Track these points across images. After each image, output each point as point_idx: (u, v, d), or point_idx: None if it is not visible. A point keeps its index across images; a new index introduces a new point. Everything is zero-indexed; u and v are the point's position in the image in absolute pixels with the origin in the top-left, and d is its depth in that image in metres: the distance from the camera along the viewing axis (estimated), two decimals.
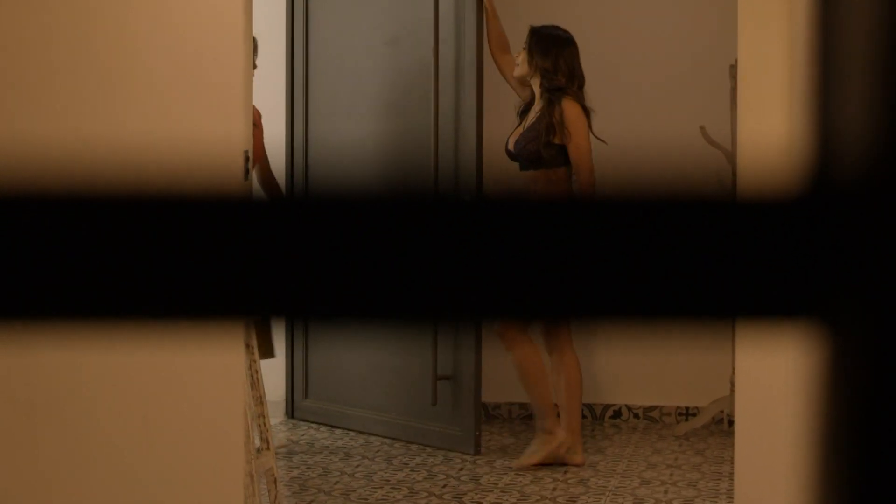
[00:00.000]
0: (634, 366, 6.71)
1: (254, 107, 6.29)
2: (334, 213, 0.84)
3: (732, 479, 5.15)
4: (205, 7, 3.45)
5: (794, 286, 0.76)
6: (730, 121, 6.86)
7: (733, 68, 6.71)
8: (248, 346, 4.83)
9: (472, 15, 6.49)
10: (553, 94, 6.16)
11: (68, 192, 0.90)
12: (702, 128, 7.03)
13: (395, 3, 6.72)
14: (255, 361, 5.13)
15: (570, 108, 6.13)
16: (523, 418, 7.42)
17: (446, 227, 0.83)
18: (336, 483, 5.99)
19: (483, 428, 6.80)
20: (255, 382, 5.15)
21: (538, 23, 6.47)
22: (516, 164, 6.35)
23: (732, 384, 6.81)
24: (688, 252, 0.78)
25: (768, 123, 4.62)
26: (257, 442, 5.21)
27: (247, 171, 4.23)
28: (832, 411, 0.86)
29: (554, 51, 6.21)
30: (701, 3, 7.31)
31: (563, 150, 6.13)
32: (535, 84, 6.27)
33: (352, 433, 6.93)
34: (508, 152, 6.34)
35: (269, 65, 7.09)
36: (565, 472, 6.15)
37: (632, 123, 6.46)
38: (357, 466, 6.27)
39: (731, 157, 6.79)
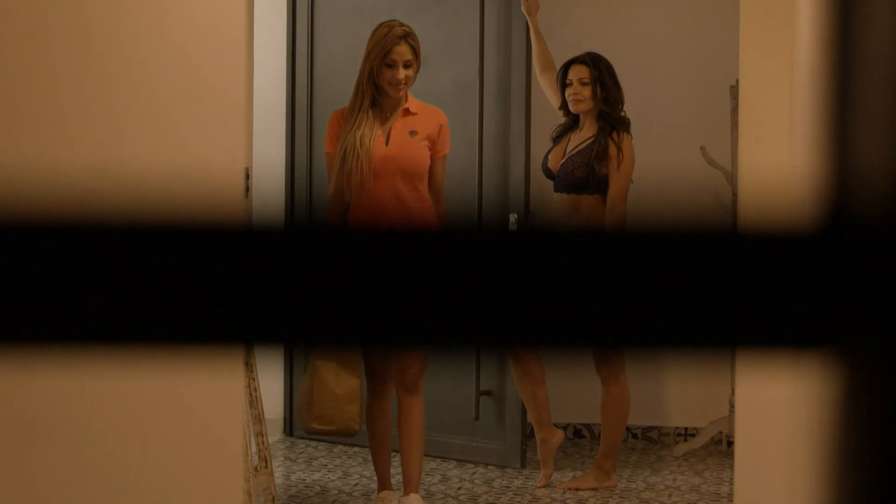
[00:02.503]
0: (633, 386, 6.69)
1: (439, 111, 5.77)
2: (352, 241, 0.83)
3: (731, 501, 5.13)
4: (205, 23, 3.45)
5: (815, 317, 0.75)
6: (730, 141, 6.86)
7: (734, 88, 6.71)
8: (246, 364, 4.82)
9: (519, 34, 6.53)
10: (607, 125, 6.20)
11: (70, 218, 0.89)
12: (702, 148, 7.03)
13: (420, 22, 6.71)
14: (253, 380, 5.12)
15: (626, 141, 6.19)
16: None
17: (463, 256, 0.82)
18: (334, 502, 5.98)
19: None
20: (253, 401, 5.13)
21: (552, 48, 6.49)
22: (550, 183, 6.36)
23: (731, 405, 6.80)
24: (707, 284, 0.77)
25: (769, 145, 4.62)
26: (255, 460, 5.20)
27: (247, 189, 4.23)
28: (847, 437, 0.86)
29: (610, 82, 6.28)
30: (702, 23, 7.31)
31: (604, 178, 6.15)
32: (591, 114, 6.30)
33: (351, 451, 6.90)
34: (547, 171, 6.34)
35: (268, 81, 7.07)
36: (563, 493, 6.14)
37: (633, 144, 6.45)
38: (355, 485, 6.26)
39: (732, 177, 6.79)
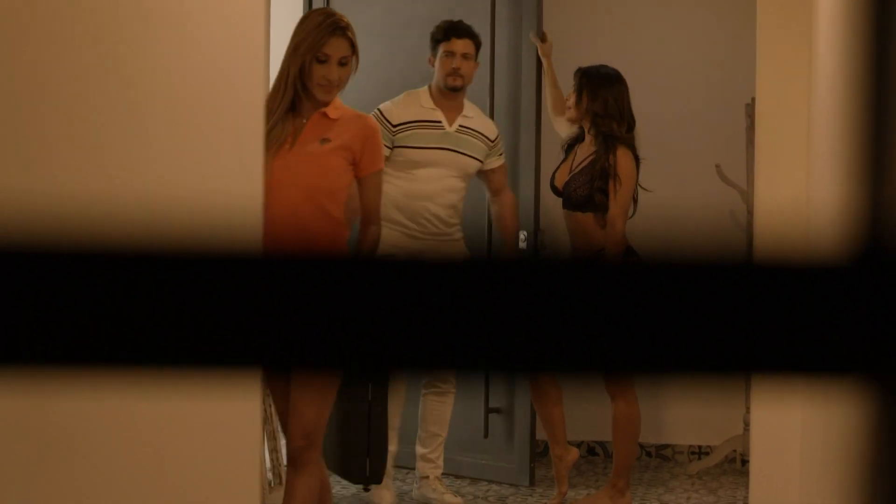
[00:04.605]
0: (647, 404, 6.68)
1: (368, 118, 4.71)
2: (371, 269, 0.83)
3: None
4: (225, 45, 3.46)
5: (848, 345, 0.75)
6: (745, 159, 6.86)
7: (749, 106, 6.71)
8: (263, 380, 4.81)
9: (529, 52, 6.51)
10: (608, 139, 6.13)
11: (87, 245, 0.89)
12: (717, 166, 7.03)
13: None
14: (267, 396, 5.12)
15: (623, 157, 6.08)
16: (537, 454, 7.40)
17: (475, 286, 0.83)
18: None
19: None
20: (267, 417, 5.13)
21: (555, 60, 6.47)
22: (559, 200, 6.31)
23: (745, 423, 6.79)
24: (739, 313, 0.77)
25: (785, 164, 4.61)
26: (269, 477, 5.20)
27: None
28: (875, 462, 0.86)
29: (602, 93, 6.17)
30: (717, 41, 7.31)
31: (606, 197, 6.08)
32: (586, 126, 6.25)
33: None
34: (555, 189, 6.30)
35: None
36: None
37: (647, 162, 6.45)
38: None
39: (747, 196, 6.78)
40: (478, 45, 6.15)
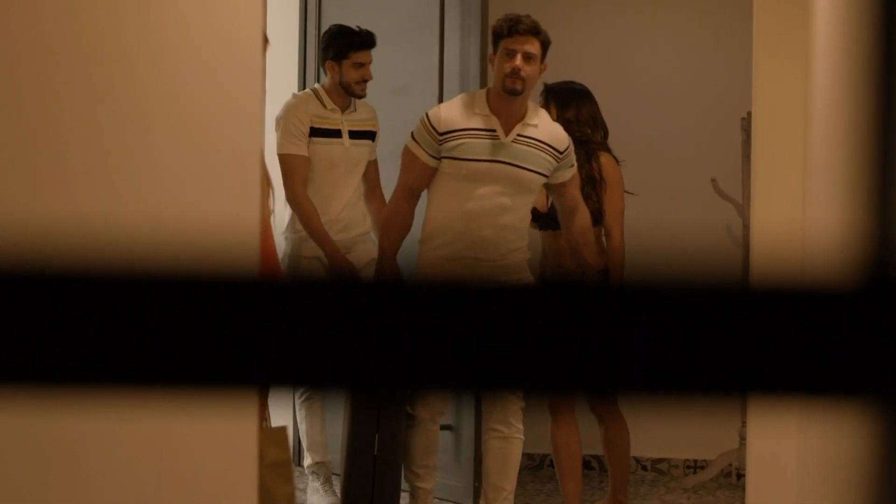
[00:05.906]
0: (643, 419, 6.67)
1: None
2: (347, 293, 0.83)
3: None
4: (224, 60, 3.46)
5: (853, 368, 0.75)
6: (741, 173, 6.86)
7: (745, 120, 6.71)
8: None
9: (476, 62, 6.44)
10: (586, 146, 5.96)
11: (87, 267, 0.89)
12: (713, 180, 7.03)
13: (403, 51, 6.67)
14: (265, 415, 5.11)
15: (607, 161, 5.92)
16: (531, 469, 7.39)
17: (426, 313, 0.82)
18: None
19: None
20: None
21: (553, 78, 6.44)
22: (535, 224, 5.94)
23: (741, 437, 6.78)
24: (745, 334, 0.77)
25: (782, 179, 4.62)
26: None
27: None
28: (881, 484, 0.85)
29: (573, 102, 6.01)
30: (712, 55, 7.32)
31: (597, 208, 5.88)
32: None
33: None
34: (534, 212, 5.81)
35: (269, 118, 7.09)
36: None
37: (643, 175, 6.45)
38: None
39: (743, 209, 6.78)
40: (545, 45, 5.41)
